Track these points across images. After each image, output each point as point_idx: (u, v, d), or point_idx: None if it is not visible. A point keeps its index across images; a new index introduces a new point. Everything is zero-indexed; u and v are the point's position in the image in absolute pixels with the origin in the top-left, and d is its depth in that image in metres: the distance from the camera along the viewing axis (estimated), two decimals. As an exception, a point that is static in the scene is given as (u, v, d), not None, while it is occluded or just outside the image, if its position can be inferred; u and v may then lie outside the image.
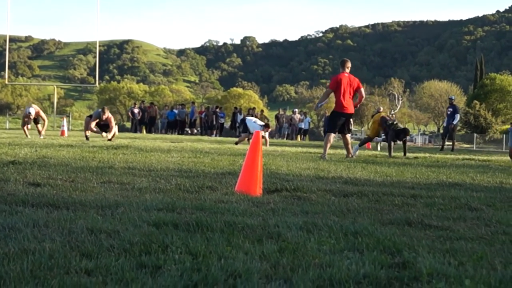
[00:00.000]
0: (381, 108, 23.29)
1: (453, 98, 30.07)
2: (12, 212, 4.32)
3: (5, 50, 66.82)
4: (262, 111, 50.97)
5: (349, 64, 14.10)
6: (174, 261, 3.01)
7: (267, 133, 20.71)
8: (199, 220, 4.08)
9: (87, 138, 20.14)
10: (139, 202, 4.91)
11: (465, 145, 46.84)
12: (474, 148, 40.37)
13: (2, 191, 5.40)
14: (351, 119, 14.49)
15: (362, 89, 14.20)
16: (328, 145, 14.02)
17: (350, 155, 13.96)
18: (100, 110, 21.00)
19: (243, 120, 22.94)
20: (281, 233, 3.87)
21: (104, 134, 20.48)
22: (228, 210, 4.69)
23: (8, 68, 55.40)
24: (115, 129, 20.70)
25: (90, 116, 20.81)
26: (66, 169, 7.96)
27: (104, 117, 20.31)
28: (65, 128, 28.30)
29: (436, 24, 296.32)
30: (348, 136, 14.42)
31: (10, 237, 3.43)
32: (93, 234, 3.59)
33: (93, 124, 20.27)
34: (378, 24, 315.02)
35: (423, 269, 3.05)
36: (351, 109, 13.98)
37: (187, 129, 44.84)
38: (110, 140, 19.44)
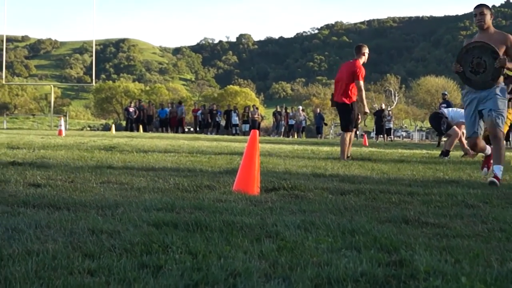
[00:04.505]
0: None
1: (446, 93, 30.16)
2: (14, 213, 4.36)
3: (1, 50, 66.79)
4: (254, 105, 50.99)
5: (364, 50, 12.95)
6: (174, 261, 3.06)
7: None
8: (198, 219, 4.13)
9: None
10: (138, 202, 4.95)
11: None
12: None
13: (3, 192, 5.44)
14: (348, 112, 12.47)
15: (357, 81, 12.55)
16: (344, 147, 12.56)
17: (345, 157, 12.46)
18: None
19: (439, 117, 15.42)
20: (279, 232, 3.91)
21: None
22: (227, 209, 4.73)
23: (5, 68, 55.39)
24: None
25: None
26: (65, 169, 8.00)
27: None
28: (63, 128, 28.26)
29: (432, 19, 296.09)
30: (347, 133, 12.68)
31: (13, 238, 3.47)
32: (94, 235, 3.64)
33: None
34: (373, 20, 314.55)
35: (420, 267, 3.09)
36: (336, 98, 12.77)
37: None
38: None
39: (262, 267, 3.04)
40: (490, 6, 7.92)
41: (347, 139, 12.63)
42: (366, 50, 12.95)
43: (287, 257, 3.23)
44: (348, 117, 12.74)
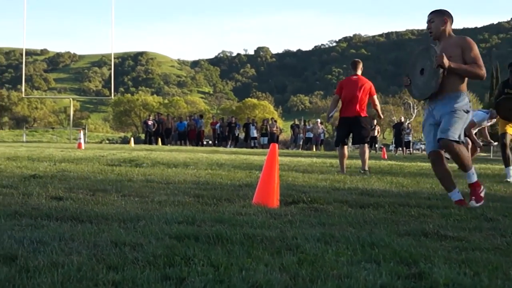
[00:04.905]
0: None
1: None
2: (37, 226, 4.43)
3: (21, 63, 67.25)
4: (272, 118, 51.07)
5: (361, 65, 13.11)
6: (197, 273, 3.10)
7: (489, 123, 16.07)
8: (219, 232, 4.17)
9: None
10: (159, 215, 5.00)
11: (482, 154, 46.65)
12: (491, 157, 40.19)
13: (26, 205, 5.52)
14: (367, 126, 12.69)
15: (375, 96, 12.91)
16: (342, 159, 12.81)
17: (366, 169, 12.53)
18: None
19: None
20: (300, 245, 3.95)
21: None
22: (247, 223, 4.77)
23: (25, 82, 55.79)
24: None
25: None
26: (86, 182, 8.08)
27: None
28: (82, 141, 28.43)
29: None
30: (364, 145, 12.87)
31: (38, 250, 3.53)
32: (117, 247, 3.69)
33: None
34: (392, 32, 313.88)
35: (439, 280, 3.12)
36: (350, 113, 12.72)
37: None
38: None
39: (283, 279, 3.08)
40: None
41: (367, 150, 12.89)
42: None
43: (308, 270, 3.26)
44: (366, 129, 13.01)
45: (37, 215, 4.90)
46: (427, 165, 16.99)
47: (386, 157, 25.40)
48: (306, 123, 46.45)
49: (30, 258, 3.31)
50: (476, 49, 6.77)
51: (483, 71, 6.73)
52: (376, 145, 42.76)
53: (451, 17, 7.05)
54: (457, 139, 6.74)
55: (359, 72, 13.04)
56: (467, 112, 6.79)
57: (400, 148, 41.01)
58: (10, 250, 3.49)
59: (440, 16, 6.95)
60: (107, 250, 3.61)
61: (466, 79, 6.85)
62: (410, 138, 44.78)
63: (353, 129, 12.87)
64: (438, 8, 7.10)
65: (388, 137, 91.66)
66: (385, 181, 9.91)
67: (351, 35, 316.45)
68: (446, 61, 6.60)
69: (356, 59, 13.35)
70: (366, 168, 12.53)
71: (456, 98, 6.76)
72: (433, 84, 6.76)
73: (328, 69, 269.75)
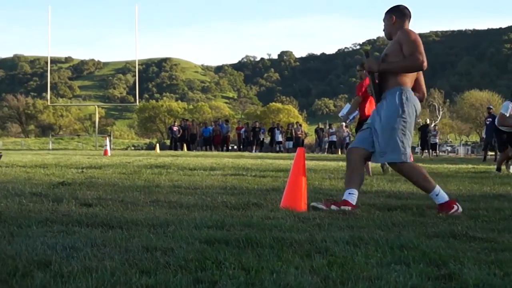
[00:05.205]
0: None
1: (491, 107, 29.87)
2: (69, 232, 4.49)
3: (46, 71, 67.79)
4: (297, 122, 51.05)
5: None
6: (228, 277, 3.14)
7: None
8: (249, 236, 4.20)
9: None
10: (188, 220, 5.04)
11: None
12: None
13: (57, 212, 5.59)
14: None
15: None
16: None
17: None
18: None
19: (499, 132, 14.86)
20: (329, 247, 3.97)
21: None
22: (276, 226, 4.80)
23: (50, 89, 56.25)
24: None
25: None
26: (114, 189, 8.15)
27: None
28: (108, 148, 28.60)
29: (475, 33, 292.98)
30: None
31: (71, 256, 3.58)
32: (148, 252, 3.73)
33: None
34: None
35: (469, 280, 3.13)
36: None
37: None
38: None
39: (314, 281, 3.11)
40: (398, 9, 6.45)
41: None
42: None
43: (338, 272, 3.29)
44: None
45: (68, 222, 4.96)
46: (454, 167, 16.95)
47: (412, 159, 25.25)
48: (330, 127, 46.41)
49: (64, 263, 3.36)
50: (411, 40, 6.25)
51: (416, 62, 6.15)
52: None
53: (402, 13, 6.56)
54: (401, 160, 6.29)
55: None
56: (403, 112, 6.20)
57: (426, 151, 40.77)
58: (44, 256, 3.54)
59: (388, 15, 6.58)
60: (138, 255, 3.65)
61: (412, 75, 6.37)
62: (437, 140, 44.51)
63: None
64: (392, 6, 6.68)
65: (414, 139, 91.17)
66: (411, 183, 9.87)
67: (375, 38, 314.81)
68: (373, 66, 6.36)
69: None
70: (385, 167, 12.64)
71: (391, 94, 6.27)
72: (368, 90, 6.65)
73: (352, 72, 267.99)
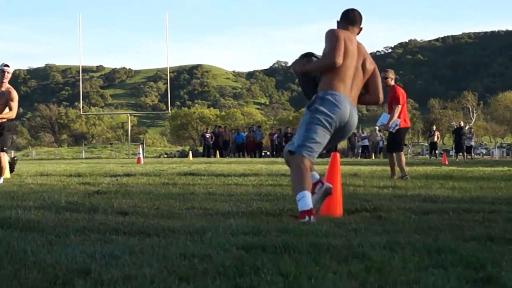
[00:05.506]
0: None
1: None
2: (107, 240, 4.53)
3: (78, 81, 68.49)
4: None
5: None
6: (267, 282, 3.15)
7: None
8: (285, 242, 4.21)
9: None
10: (225, 227, 5.06)
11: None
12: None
13: (94, 221, 5.64)
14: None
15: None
16: (403, 164, 12.95)
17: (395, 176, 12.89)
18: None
19: None
20: (366, 252, 3.96)
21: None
22: (312, 232, 4.80)
23: (82, 99, 56.73)
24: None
25: None
26: (149, 197, 8.21)
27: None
28: (141, 156, 28.78)
29: (508, 33, 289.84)
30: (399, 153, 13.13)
31: (111, 264, 3.62)
32: (186, 259, 3.76)
33: None
34: (448, 37, 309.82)
35: (508, 283, 3.12)
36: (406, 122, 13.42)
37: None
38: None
39: (352, 286, 3.11)
40: (344, 13, 6.32)
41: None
42: None
43: (376, 277, 3.28)
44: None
45: (105, 230, 5.01)
46: (489, 169, 16.80)
47: (447, 162, 25.10)
48: (362, 131, 46.26)
49: (103, 271, 3.40)
50: (328, 39, 6.06)
51: (328, 59, 5.96)
52: (436, 151, 42.24)
53: (345, 16, 6.42)
54: (295, 149, 6.05)
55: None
56: (316, 111, 6.02)
57: (461, 154, 40.41)
58: (83, 264, 3.59)
59: (338, 22, 6.45)
60: (177, 262, 3.68)
61: (338, 74, 6.03)
62: (472, 143, 43.98)
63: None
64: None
65: (448, 142, 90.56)
66: (447, 187, 9.83)
67: (407, 41, 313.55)
68: (296, 67, 6.40)
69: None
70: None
71: (316, 96, 6.12)
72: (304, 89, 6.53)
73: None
